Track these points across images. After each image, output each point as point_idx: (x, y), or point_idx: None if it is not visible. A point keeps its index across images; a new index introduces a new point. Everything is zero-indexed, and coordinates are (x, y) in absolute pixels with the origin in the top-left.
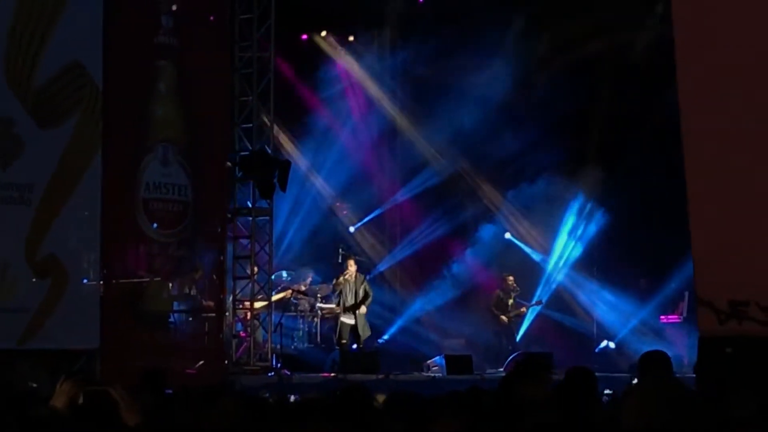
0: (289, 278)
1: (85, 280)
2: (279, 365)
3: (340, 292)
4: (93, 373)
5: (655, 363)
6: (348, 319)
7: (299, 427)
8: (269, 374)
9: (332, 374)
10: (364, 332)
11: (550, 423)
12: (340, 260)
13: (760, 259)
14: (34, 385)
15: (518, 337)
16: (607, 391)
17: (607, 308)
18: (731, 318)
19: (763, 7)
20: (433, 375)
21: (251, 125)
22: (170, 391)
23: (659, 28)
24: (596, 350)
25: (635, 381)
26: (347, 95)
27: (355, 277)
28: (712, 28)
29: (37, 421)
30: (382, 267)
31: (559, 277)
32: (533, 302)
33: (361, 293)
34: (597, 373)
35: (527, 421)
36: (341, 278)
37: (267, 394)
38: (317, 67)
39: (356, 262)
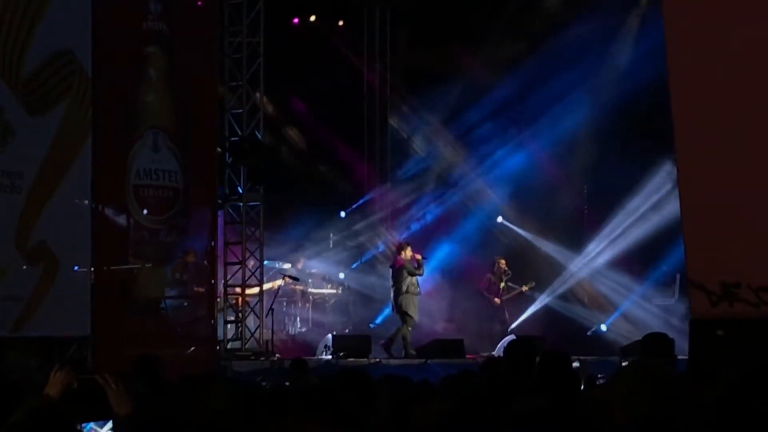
0: (278, 264)
1: (75, 268)
2: (271, 350)
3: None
4: (84, 361)
5: (657, 345)
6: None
7: (291, 413)
8: (261, 359)
9: (325, 358)
10: None
11: (537, 409)
12: (331, 245)
13: (751, 240)
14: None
15: (517, 322)
16: (600, 375)
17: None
18: (723, 300)
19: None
20: (424, 359)
21: (241, 110)
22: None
23: None
24: (588, 334)
25: (624, 364)
26: (338, 79)
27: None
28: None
29: (31, 410)
30: (373, 252)
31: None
32: (526, 285)
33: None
34: (589, 357)
35: (514, 406)
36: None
37: (264, 383)
38: (309, 51)
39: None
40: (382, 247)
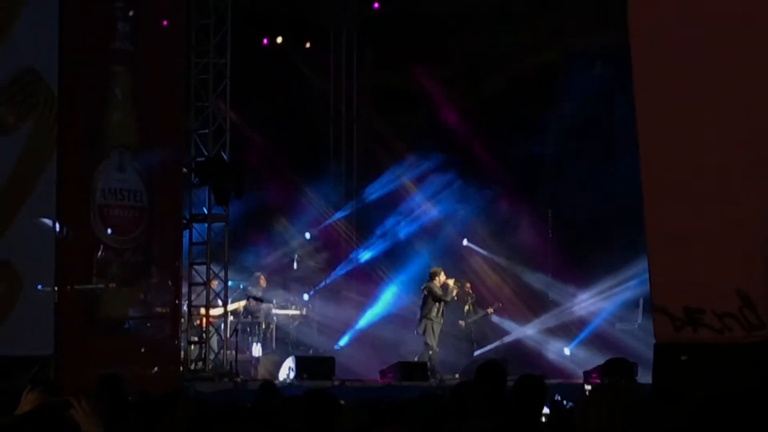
0: (243, 285)
1: (39, 287)
2: (234, 371)
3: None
4: (48, 380)
5: (618, 369)
6: (439, 328)
7: None
8: (224, 380)
9: (288, 381)
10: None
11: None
12: (295, 267)
13: (715, 266)
14: None
15: (486, 348)
16: (567, 402)
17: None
18: (686, 325)
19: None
20: (388, 382)
21: (207, 131)
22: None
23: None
24: (550, 358)
25: (588, 387)
26: (305, 100)
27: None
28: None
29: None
30: (339, 272)
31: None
32: (490, 308)
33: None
34: (551, 380)
35: (471, 425)
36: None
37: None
38: (276, 72)
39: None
40: (347, 268)
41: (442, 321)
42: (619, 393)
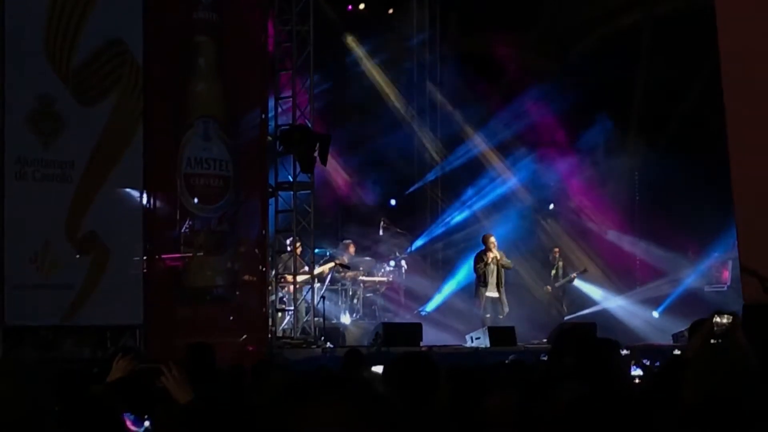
0: (331, 253)
1: (135, 258)
2: (322, 338)
3: (484, 272)
4: (137, 349)
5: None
6: (492, 293)
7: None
8: (312, 347)
9: (374, 347)
10: (505, 306)
11: (581, 396)
12: (381, 233)
13: None
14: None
15: (577, 313)
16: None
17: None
18: None
19: None
20: (476, 347)
21: (291, 98)
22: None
23: None
24: (637, 322)
25: (676, 352)
26: (386, 69)
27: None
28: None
29: (93, 397)
30: (425, 238)
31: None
32: (578, 272)
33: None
34: (638, 343)
35: (558, 394)
36: (484, 262)
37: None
38: (359, 39)
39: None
40: (431, 235)
41: (497, 289)
42: (717, 358)
